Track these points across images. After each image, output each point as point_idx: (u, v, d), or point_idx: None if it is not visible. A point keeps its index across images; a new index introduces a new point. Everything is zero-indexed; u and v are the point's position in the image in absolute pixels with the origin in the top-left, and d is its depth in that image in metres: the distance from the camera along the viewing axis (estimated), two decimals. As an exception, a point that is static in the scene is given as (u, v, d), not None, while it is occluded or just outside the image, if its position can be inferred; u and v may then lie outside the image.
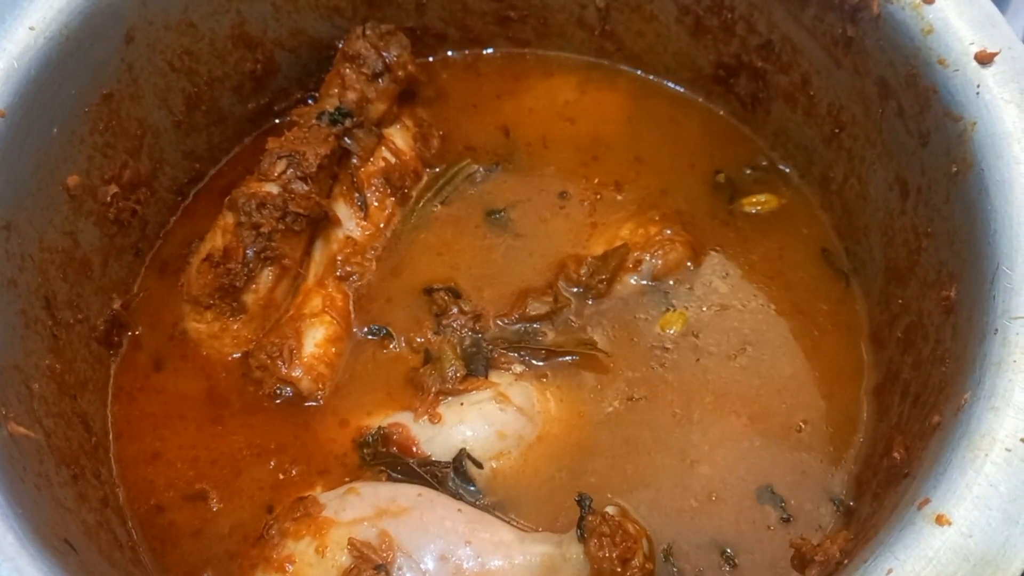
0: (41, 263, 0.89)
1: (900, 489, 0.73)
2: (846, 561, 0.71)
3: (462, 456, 0.89)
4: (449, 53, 1.19)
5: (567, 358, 0.96)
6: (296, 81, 1.14)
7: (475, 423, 0.91)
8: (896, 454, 0.78)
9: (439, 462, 0.90)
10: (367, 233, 1.04)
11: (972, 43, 0.81)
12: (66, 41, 0.88)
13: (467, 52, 1.19)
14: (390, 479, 0.90)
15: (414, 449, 0.91)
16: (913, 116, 0.86)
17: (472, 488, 0.89)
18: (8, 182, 0.84)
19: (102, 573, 0.78)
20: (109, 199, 0.97)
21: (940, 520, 0.64)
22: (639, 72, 1.15)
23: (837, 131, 0.99)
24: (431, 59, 1.18)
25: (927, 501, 0.66)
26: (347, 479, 0.90)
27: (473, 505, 0.88)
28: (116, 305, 0.99)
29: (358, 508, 0.85)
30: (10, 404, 0.80)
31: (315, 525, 0.84)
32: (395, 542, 0.82)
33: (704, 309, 0.99)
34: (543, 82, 1.16)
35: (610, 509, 0.83)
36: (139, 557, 0.88)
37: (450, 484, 0.89)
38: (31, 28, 0.86)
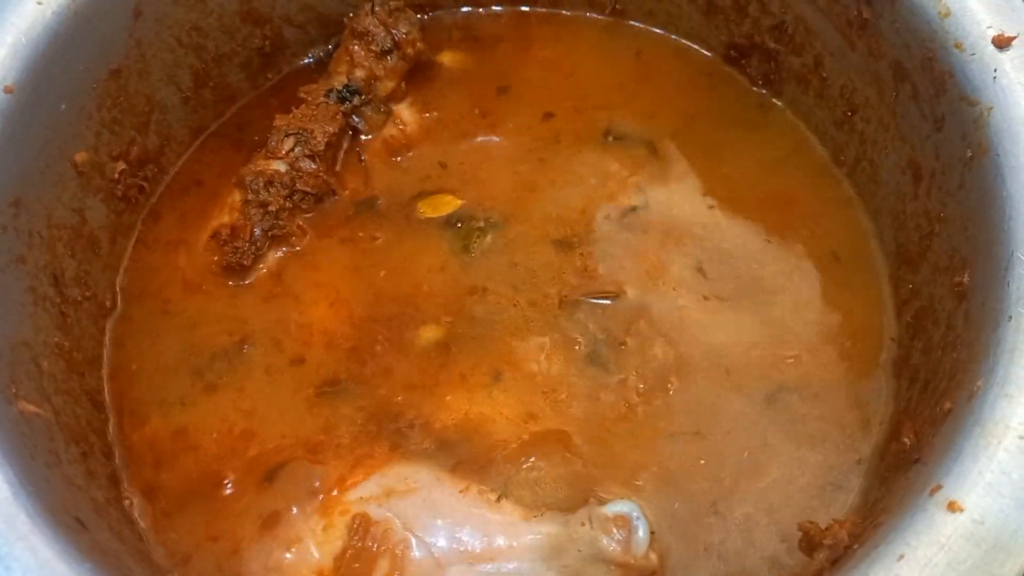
0: (49, 240, 0.89)
1: (910, 475, 0.73)
2: (855, 546, 0.71)
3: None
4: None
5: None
6: (304, 57, 1.13)
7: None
8: (905, 439, 0.78)
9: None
10: None
11: (990, 27, 0.80)
12: (74, 15, 0.87)
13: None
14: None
15: None
16: (928, 100, 0.86)
17: None
18: (16, 159, 0.84)
19: (113, 550, 0.78)
20: (117, 176, 0.97)
21: (952, 507, 0.64)
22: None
23: (850, 114, 0.98)
24: (430, 15, 1.16)
25: (939, 487, 0.66)
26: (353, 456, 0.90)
27: (480, 485, 0.88)
28: (124, 283, 0.98)
29: (366, 487, 0.85)
30: (20, 382, 0.80)
31: (322, 504, 0.84)
32: (403, 521, 0.82)
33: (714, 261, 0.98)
34: (550, 48, 1.14)
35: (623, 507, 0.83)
36: (145, 533, 0.88)
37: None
38: (39, 3, 0.85)
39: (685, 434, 0.89)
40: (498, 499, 0.86)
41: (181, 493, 0.90)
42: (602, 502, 0.84)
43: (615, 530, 0.81)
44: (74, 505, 0.77)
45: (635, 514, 0.81)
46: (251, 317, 0.97)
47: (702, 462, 0.88)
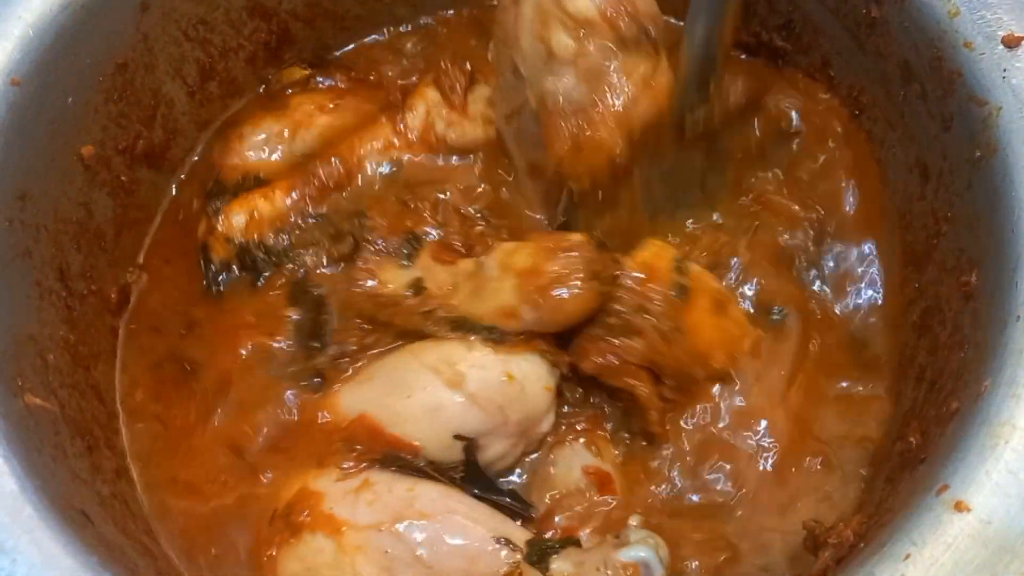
0: (55, 234, 0.89)
1: (916, 474, 0.73)
2: (861, 544, 0.71)
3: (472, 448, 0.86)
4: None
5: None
6: (311, 52, 1.13)
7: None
8: (912, 439, 0.78)
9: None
10: None
11: (999, 26, 0.80)
12: (81, 9, 0.87)
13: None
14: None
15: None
16: (936, 100, 0.85)
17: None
18: (23, 152, 0.84)
19: (117, 544, 0.78)
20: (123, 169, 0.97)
21: (959, 506, 0.64)
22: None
23: (857, 113, 0.98)
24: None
25: (946, 487, 0.66)
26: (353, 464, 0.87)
27: (495, 505, 0.85)
28: (130, 277, 0.98)
29: (375, 511, 0.81)
30: (26, 375, 0.80)
31: (330, 524, 0.81)
32: (416, 551, 0.79)
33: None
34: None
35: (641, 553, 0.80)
36: (150, 527, 0.88)
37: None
38: (46, -5, 0.85)
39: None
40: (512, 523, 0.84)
41: (186, 488, 0.90)
42: (622, 543, 0.80)
43: None
44: (79, 499, 0.77)
45: (652, 561, 0.79)
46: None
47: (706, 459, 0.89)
